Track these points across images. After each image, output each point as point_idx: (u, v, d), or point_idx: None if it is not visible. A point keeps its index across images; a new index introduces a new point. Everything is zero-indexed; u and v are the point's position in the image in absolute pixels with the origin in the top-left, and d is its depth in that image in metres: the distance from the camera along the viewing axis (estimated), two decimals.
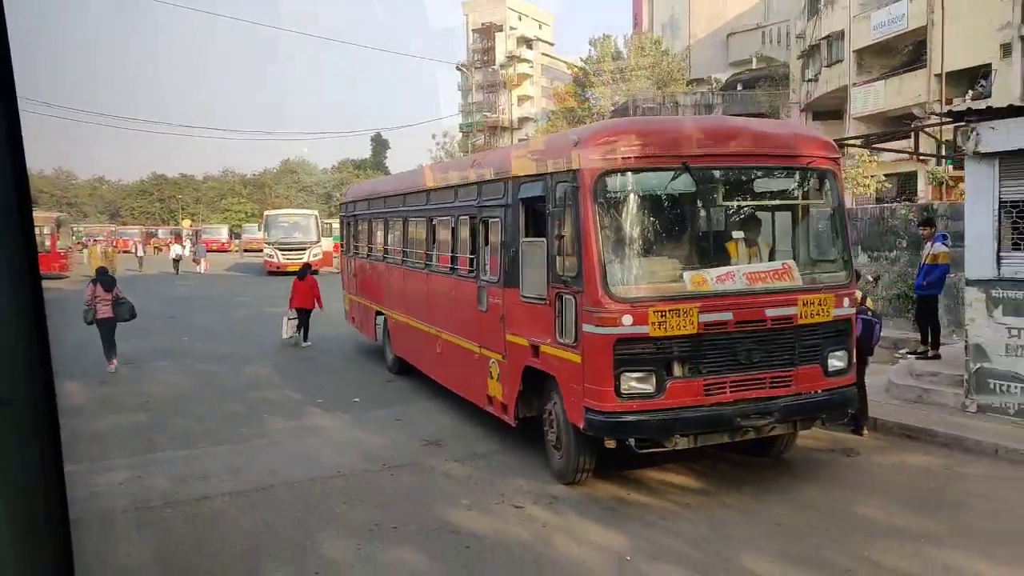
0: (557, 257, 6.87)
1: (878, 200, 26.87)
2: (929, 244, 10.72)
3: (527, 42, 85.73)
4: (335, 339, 16.36)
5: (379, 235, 13.44)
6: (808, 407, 6.97)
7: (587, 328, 6.53)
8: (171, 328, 18.96)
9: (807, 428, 7.48)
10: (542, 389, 7.59)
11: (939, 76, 28.78)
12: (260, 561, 5.83)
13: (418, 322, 11.08)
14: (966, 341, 9.03)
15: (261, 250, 40.16)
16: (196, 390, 12.15)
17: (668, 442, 6.60)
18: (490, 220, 8.51)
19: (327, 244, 37.29)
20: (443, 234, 10.30)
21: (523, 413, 7.94)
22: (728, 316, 6.58)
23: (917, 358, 10.76)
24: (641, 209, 6.75)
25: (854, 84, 34.01)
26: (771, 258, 7.44)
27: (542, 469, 7.66)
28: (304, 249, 35.16)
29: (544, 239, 7.17)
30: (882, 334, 13.28)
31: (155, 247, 62.43)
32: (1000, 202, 8.59)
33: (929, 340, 10.86)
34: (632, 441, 6.56)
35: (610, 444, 6.66)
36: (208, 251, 47.48)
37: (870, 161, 26.46)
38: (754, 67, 47.30)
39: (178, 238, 54.28)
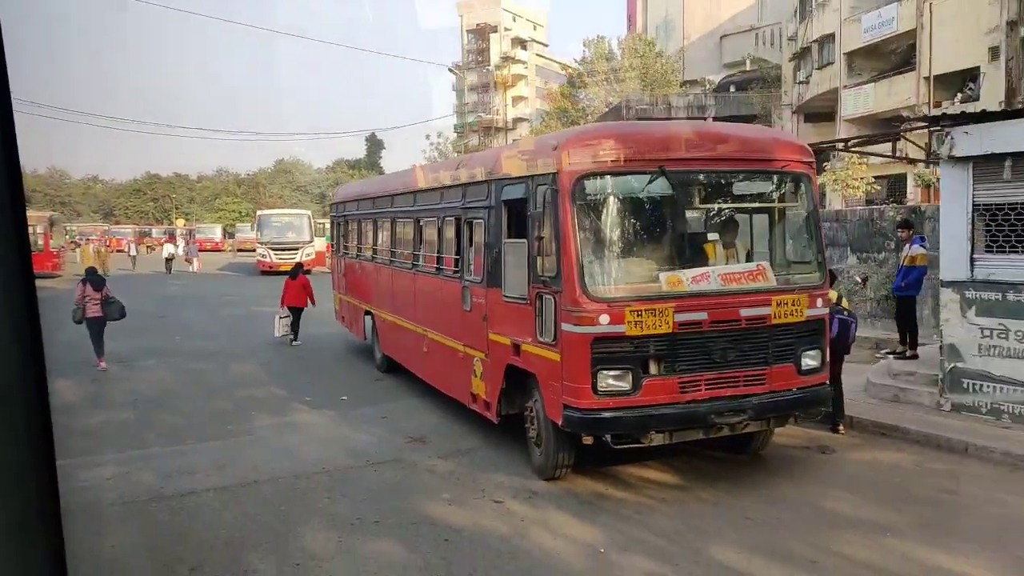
0: (538, 258, 7.04)
1: (868, 202, 27.10)
2: (907, 246, 10.92)
3: (522, 43, 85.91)
4: (325, 338, 16.51)
5: (368, 235, 13.61)
6: (782, 405, 7.14)
7: (566, 327, 6.70)
8: (162, 327, 19.09)
9: (781, 425, 7.65)
10: (524, 387, 7.75)
11: (928, 79, 28.99)
12: (243, 552, 5.98)
13: (405, 321, 11.24)
14: (941, 341, 9.22)
15: (254, 250, 40.22)
16: (185, 388, 12.29)
17: (644, 438, 6.75)
18: (474, 221, 8.67)
19: (320, 244, 37.37)
20: (429, 235, 10.46)
21: (505, 410, 8.10)
22: (703, 316, 6.75)
23: (896, 358, 10.96)
24: (619, 211, 6.92)
25: (845, 86, 34.24)
26: (748, 260, 7.61)
27: (523, 465, 7.82)
28: (297, 249, 35.25)
29: (525, 240, 7.34)
30: (868, 334, 13.57)
31: (148, 246, 62.44)
32: (974, 205, 8.78)
33: (907, 340, 11.05)
34: (608, 437, 6.71)
35: (587, 440, 6.82)
36: (201, 251, 47.64)
37: (859, 163, 26.66)
38: (747, 69, 47.47)
39: (171, 237, 54.26)
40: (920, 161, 17.42)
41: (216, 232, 67.64)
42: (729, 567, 5.63)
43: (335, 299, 16.46)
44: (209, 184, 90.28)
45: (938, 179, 24.09)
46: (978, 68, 27.51)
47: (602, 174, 6.80)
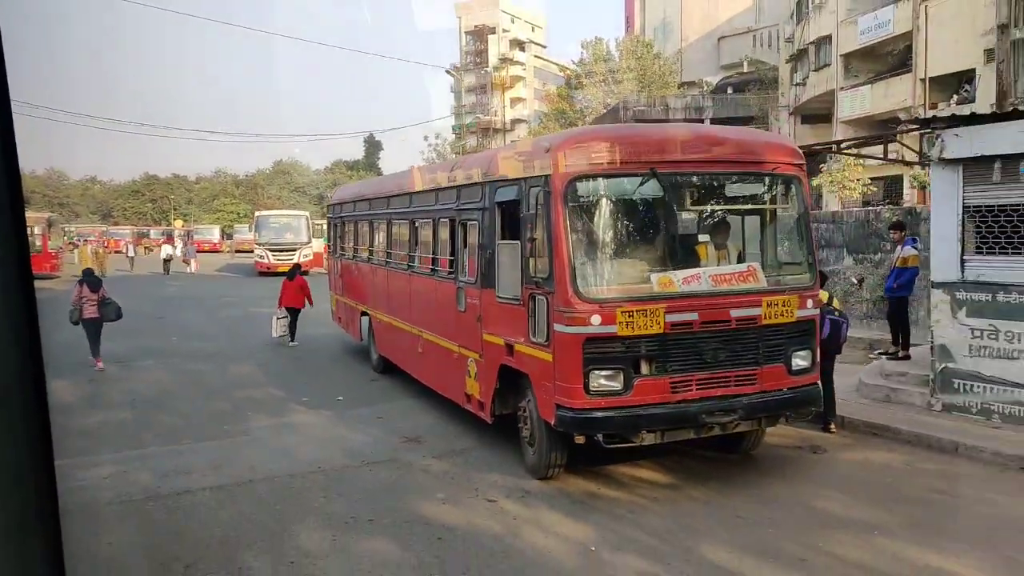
0: (530, 259, 7.10)
1: (864, 203, 27.18)
2: (899, 247, 10.99)
3: (520, 44, 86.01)
4: (322, 339, 16.58)
5: (364, 237, 13.68)
6: (772, 405, 7.20)
7: (558, 328, 6.76)
8: (160, 328, 19.13)
9: (772, 425, 7.71)
10: (517, 387, 7.81)
11: (924, 81, 29.07)
12: (238, 551, 6.04)
13: (401, 322, 11.31)
14: (932, 342, 9.29)
15: (252, 251, 40.27)
16: (182, 388, 12.35)
17: (635, 438, 6.81)
18: (468, 223, 8.74)
19: (318, 245, 37.38)
20: (425, 236, 10.53)
21: (499, 410, 8.17)
22: (694, 316, 6.82)
23: (888, 359, 11.04)
24: (610, 213, 6.99)
25: (841, 88, 34.30)
26: (739, 261, 7.68)
27: (517, 465, 7.89)
28: (294, 250, 35.34)
29: (519, 242, 7.40)
30: (863, 335, 13.64)
31: (146, 247, 62.48)
32: (964, 207, 8.85)
33: (900, 341, 11.12)
34: (600, 437, 6.76)
35: (579, 440, 6.88)
36: (200, 252, 47.63)
37: (856, 165, 26.76)
38: (745, 71, 47.58)
39: (169, 239, 54.28)
40: (913, 163, 17.49)
41: (214, 233, 67.69)
42: (720, 566, 5.69)
43: (331, 300, 16.53)
44: (207, 185, 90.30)
45: None
46: (974, 70, 27.60)
47: (594, 176, 6.87)
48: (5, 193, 1.20)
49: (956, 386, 9.03)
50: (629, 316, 6.61)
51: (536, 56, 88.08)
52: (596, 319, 6.59)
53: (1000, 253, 8.60)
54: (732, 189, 7.79)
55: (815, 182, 28.91)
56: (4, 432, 1.23)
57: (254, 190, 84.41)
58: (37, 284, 1.40)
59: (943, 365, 9.13)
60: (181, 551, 6.06)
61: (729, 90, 47.08)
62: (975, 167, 8.73)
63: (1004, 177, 8.46)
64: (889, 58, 33.21)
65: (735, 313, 6.96)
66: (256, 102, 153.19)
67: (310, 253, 35.79)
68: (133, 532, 6.61)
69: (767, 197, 7.83)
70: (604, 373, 6.69)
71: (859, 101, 33.39)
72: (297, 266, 17.79)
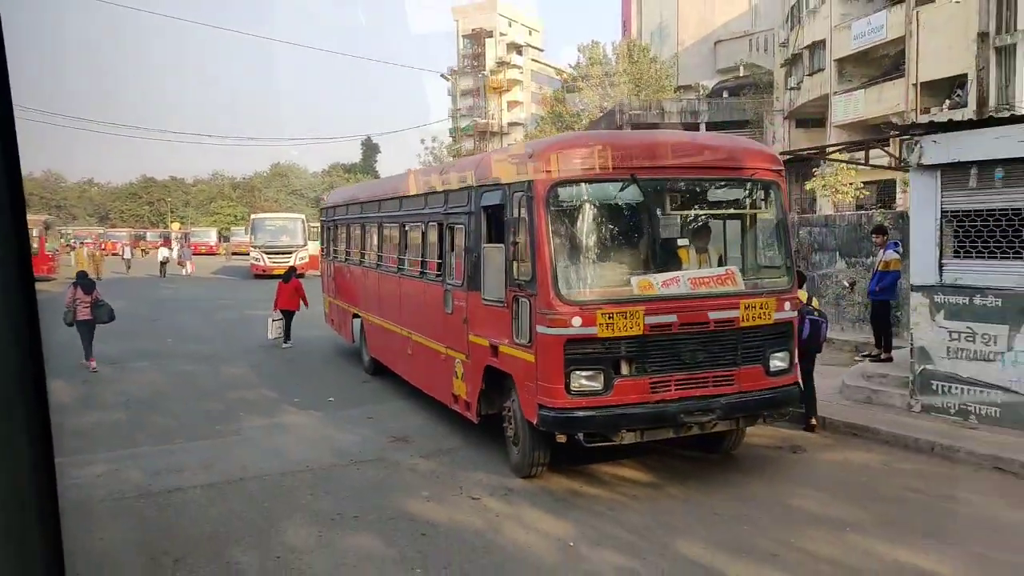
0: (514, 262, 7.26)
1: (858, 207, 27.36)
2: (881, 251, 11.17)
3: (517, 48, 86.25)
4: (315, 341, 16.73)
5: (356, 240, 13.85)
6: (750, 405, 7.36)
7: (540, 329, 6.93)
8: (155, 330, 19.28)
9: (750, 425, 7.88)
10: (502, 388, 7.97)
11: (916, 86, 29.26)
12: (226, 546, 6.19)
13: (391, 324, 11.47)
14: (911, 344, 9.46)
15: (248, 253, 40.38)
16: (176, 389, 12.50)
17: (615, 437, 6.97)
18: (456, 226, 8.91)
19: (313, 247, 37.52)
20: (414, 239, 10.70)
21: (485, 410, 8.33)
22: (672, 318, 6.99)
23: (871, 361, 11.21)
24: (591, 218, 7.16)
25: (835, 93, 34.51)
26: (720, 264, 7.85)
27: (502, 464, 8.05)
28: (290, 252, 35.45)
29: (503, 245, 7.57)
30: (850, 338, 13.82)
31: (143, 250, 62.61)
32: (942, 211, 9.03)
33: (882, 343, 11.29)
34: (581, 436, 6.92)
35: (561, 439, 7.03)
36: (196, 254, 47.70)
37: (849, 169, 26.93)
38: (741, 75, 47.81)
39: (167, 241, 54.44)
40: (893, 168, 17.65)
41: (211, 235, 67.82)
42: (694, 561, 5.86)
43: (324, 302, 16.71)
44: (205, 188, 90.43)
45: None
46: (966, 75, 27.79)
47: (575, 182, 7.04)
48: (5, 194, 1.20)
49: (935, 387, 9.21)
50: (609, 318, 6.78)
51: (533, 60, 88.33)
52: (577, 321, 6.76)
53: (977, 257, 8.77)
54: (712, 194, 7.96)
55: (808, 186, 29.13)
56: (5, 432, 1.23)
57: (251, 193, 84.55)
58: None
59: (922, 367, 9.30)
60: (171, 546, 6.22)
61: (725, 94, 47.30)
62: (953, 173, 8.90)
63: (980, 183, 8.64)
64: (882, 63, 33.44)
65: (713, 315, 7.12)
66: (254, 105, 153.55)
67: (306, 255, 35.84)
68: (125, 528, 6.76)
69: (746, 202, 7.99)
70: (585, 374, 6.85)
71: (853, 105, 33.61)
72: (292, 269, 17.96)
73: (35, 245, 33.32)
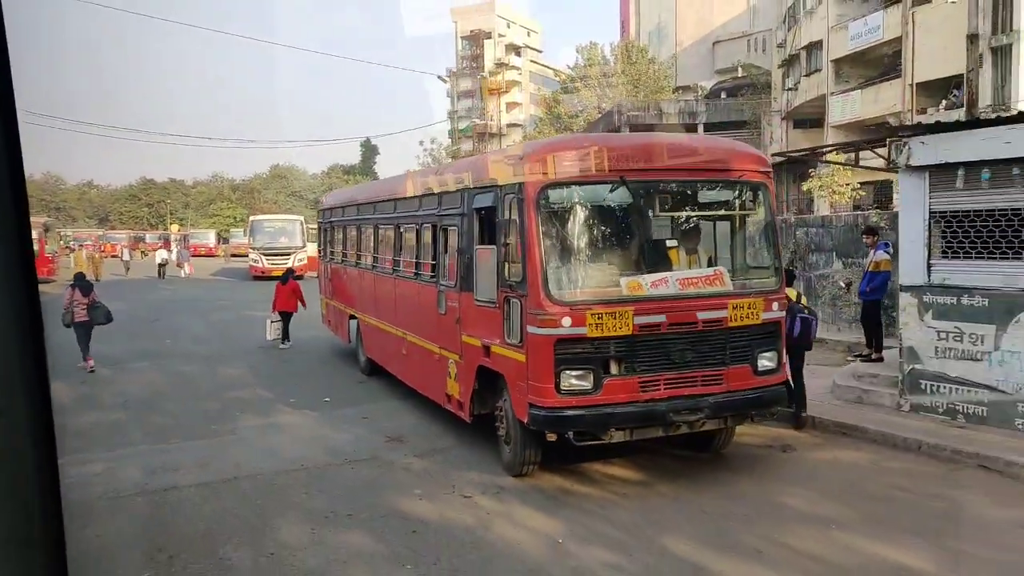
0: (505, 263, 7.37)
1: (855, 207, 27.45)
2: (872, 252, 11.26)
3: (516, 49, 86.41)
4: (312, 341, 16.84)
5: (352, 241, 13.95)
6: (738, 404, 7.45)
7: (530, 329, 7.02)
8: (154, 331, 19.38)
9: (738, 424, 7.98)
10: (495, 387, 8.06)
11: (912, 86, 29.35)
12: (220, 543, 6.29)
13: (387, 325, 11.57)
14: (900, 344, 9.55)
15: (247, 255, 40.47)
16: (174, 390, 12.60)
17: (605, 436, 7.07)
18: (449, 228, 9.00)
19: (312, 249, 37.60)
20: (409, 241, 10.80)
21: (478, 410, 8.42)
22: (661, 318, 7.08)
23: (862, 361, 11.30)
24: (581, 220, 7.25)
25: (832, 93, 34.60)
26: (709, 265, 7.94)
27: (495, 463, 8.14)
28: (289, 254, 35.53)
29: (495, 246, 7.67)
30: (843, 338, 13.91)
31: (142, 251, 62.72)
32: (930, 212, 9.12)
33: (873, 343, 11.38)
34: (571, 434, 7.01)
35: (551, 437, 7.14)
36: (195, 256, 47.77)
37: (846, 169, 27.03)
38: (739, 75, 47.87)
39: (166, 243, 54.53)
40: (883, 170, 17.75)
41: (210, 237, 67.96)
42: (681, 557, 5.95)
43: (321, 303, 16.82)
44: (204, 190, 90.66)
45: None
46: (963, 76, 27.86)
47: (565, 184, 7.14)
48: (9, 197, 1.20)
49: (923, 387, 9.30)
50: (599, 318, 6.87)
51: (532, 61, 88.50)
52: (567, 321, 6.85)
53: (964, 258, 8.86)
54: (701, 196, 8.06)
55: (805, 186, 29.22)
56: (8, 434, 1.23)
57: (251, 194, 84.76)
58: None
59: (911, 367, 9.40)
60: (166, 543, 6.32)
61: (723, 95, 47.35)
62: (940, 174, 9.00)
63: (967, 184, 8.73)
64: (879, 63, 33.53)
65: (702, 315, 7.22)
66: (254, 107, 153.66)
67: (304, 257, 35.93)
68: (120, 525, 6.86)
69: (735, 203, 8.09)
70: (575, 373, 6.95)
71: (849, 106, 33.70)
72: (290, 270, 18.08)
73: (35, 247, 33.46)
